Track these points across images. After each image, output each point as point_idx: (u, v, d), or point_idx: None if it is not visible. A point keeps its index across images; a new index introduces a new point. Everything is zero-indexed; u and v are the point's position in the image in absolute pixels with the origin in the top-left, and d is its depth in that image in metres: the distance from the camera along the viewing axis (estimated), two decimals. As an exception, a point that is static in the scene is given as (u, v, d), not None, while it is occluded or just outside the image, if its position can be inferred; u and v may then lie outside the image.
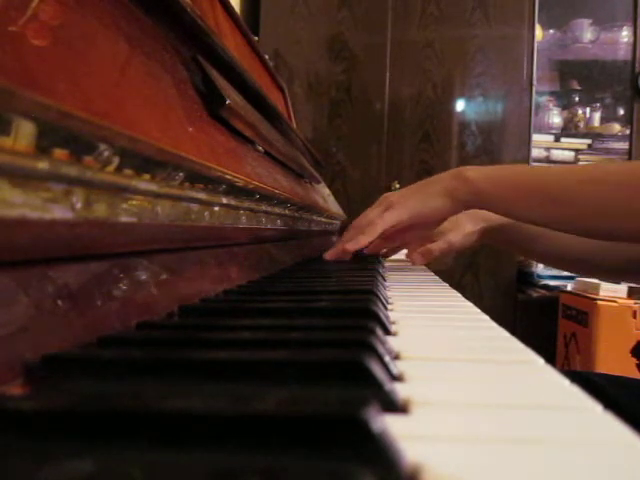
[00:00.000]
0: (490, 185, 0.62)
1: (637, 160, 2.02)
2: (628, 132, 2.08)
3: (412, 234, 0.74)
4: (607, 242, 0.75)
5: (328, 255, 0.70)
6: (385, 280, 0.59)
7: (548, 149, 2.15)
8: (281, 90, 1.21)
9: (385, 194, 0.71)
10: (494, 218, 0.86)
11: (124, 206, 0.24)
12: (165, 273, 0.31)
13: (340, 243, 0.70)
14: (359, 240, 0.66)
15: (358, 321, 0.28)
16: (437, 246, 0.80)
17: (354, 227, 0.70)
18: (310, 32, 1.96)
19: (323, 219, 0.99)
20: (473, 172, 0.64)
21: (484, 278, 1.92)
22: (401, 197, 0.68)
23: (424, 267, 0.88)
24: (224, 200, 0.39)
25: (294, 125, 1.14)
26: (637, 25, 2.02)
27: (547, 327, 1.87)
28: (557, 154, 2.16)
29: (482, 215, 0.85)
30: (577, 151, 2.18)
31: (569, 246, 0.81)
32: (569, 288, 1.80)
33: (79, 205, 0.21)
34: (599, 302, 1.55)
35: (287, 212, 0.64)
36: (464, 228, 0.83)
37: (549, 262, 1.03)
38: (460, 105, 1.99)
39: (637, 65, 2.04)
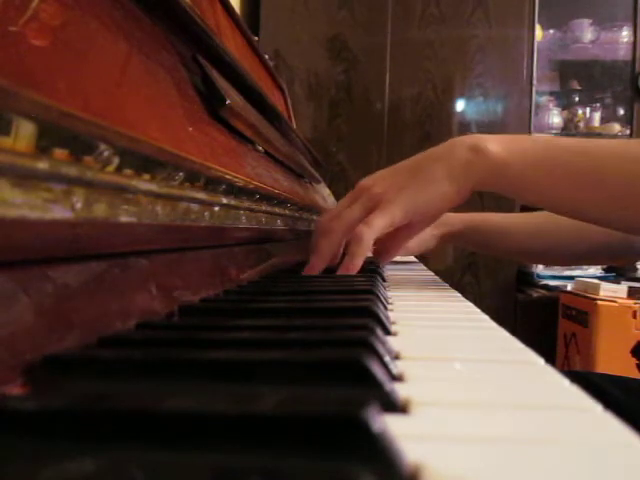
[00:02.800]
0: (520, 162, 0.49)
1: None
2: (628, 132, 2.08)
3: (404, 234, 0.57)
4: (573, 231, 0.70)
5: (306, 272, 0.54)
6: (385, 280, 0.59)
7: (548, 149, 2.15)
8: (281, 90, 1.21)
9: (362, 182, 0.54)
10: (455, 222, 0.78)
11: (124, 206, 0.24)
12: (165, 273, 0.31)
13: (314, 258, 0.53)
14: (345, 264, 0.51)
15: (358, 321, 0.28)
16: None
17: (322, 232, 0.52)
18: (310, 32, 1.96)
19: (323, 219, 0.99)
20: (495, 144, 0.49)
21: (484, 278, 1.92)
22: (390, 188, 0.51)
23: (424, 267, 0.88)
24: (224, 200, 0.39)
25: (294, 125, 1.14)
26: (637, 25, 2.02)
27: (547, 327, 1.87)
28: (557, 154, 2.16)
29: (443, 219, 0.70)
30: (577, 151, 2.18)
31: (533, 240, 0.76)
32: (569, 288, 1.80)
33: (79, 205, 0.21)
34: (599, 302, 1.55)
35: (287, 212, 0.64)
36: (422, 233, 0.65)
37: (512, 256, 0.97)
38: (460, 105, 1.99)
39: (637, 65, 2.04)
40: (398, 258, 1.02)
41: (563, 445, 0.15)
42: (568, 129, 2.21)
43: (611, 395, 0.58)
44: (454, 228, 0.79)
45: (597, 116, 2.21)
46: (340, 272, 0.52)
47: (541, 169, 0.49)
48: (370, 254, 0.61)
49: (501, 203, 1.96)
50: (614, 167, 0.47)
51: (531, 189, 0.51)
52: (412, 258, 1.01)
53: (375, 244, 0.59)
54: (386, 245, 0.60)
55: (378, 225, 0.50)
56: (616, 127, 2.16)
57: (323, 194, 1.15)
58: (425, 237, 0.77)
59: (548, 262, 0.94)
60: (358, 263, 0.51)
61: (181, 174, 0.30)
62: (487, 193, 1.99)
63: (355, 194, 0.54)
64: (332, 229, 0.52)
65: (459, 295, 0.50)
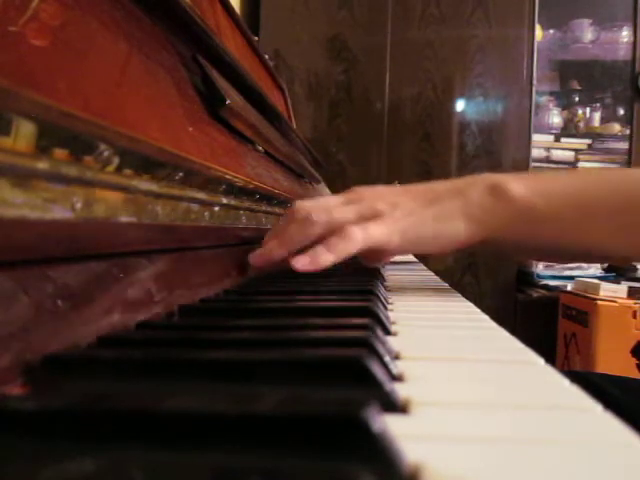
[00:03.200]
0: (544, 202, 0.42)
1: None
2: (628, 132, 2.08)
3: None
4: None
5: (296, 265, 0.42)
6: (385, 280, 0.59)
7: (548, 149, 2.15)
8: (281, 90, 1.21)
9: (363, 190, 0.46)
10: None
11: (124, 206, 0.24)
12: (165, 273, 0.31)
13: (277, 244, 0.44)
14: (317, 255, 0.41)
15: (358, 321, 0.28)
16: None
17: (300, 219, 0.43)
18: (310, 32, 1.96)
19: (323, 219, 0.99)
20: (517, 185, 0.43)
21: (484, 278, 1.92)
22: (395, 208, 0.43)
23: (424, 267, 0.88)
24: (224, 200, 0.39)
25: (294, 125, 1.14)
26: (637, 25, 2.02)
27: (547, 327, 1.87)
28: (557, 154, 2.16)
29: None
30: (577, 151, 2.18)
31: None
32: (569, 288, 1.80)
33: (79, 205, 0.21)
34: (599, 302, 1.55)
35: (287, 212, 0.64)
36: None
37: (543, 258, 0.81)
38: (460, 105, 1.99)
39: (637, 65, 2.04)
40: (398, 258, 1.02)
41: (563, 445, 0.15)
42: (568, 129, 2.21)
43: (611, 395, 0.58)
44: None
45: (597, 116, 2.21)
46: (302, 262, 0.42)
47: (575, 210, 0.42)
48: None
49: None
50: None
51: (572, 235, 0.43)
52: (412, 258, 1.01)
53: None
54: (370, 258, 0.50)
55: (374, 236, 0.42)
56: (616, 127, 2.16)
57: (323, 194, 1.15)
58: None
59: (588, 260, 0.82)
60: (333, 259, 0.42)
61: (181, 174, 0.30)
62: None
63: (351, 198, 0.45)
64: (313, 220, 0.43)
65: (459, 295, 0.50)
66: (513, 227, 0.43)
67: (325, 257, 0.41)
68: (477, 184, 0.44)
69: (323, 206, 0.44)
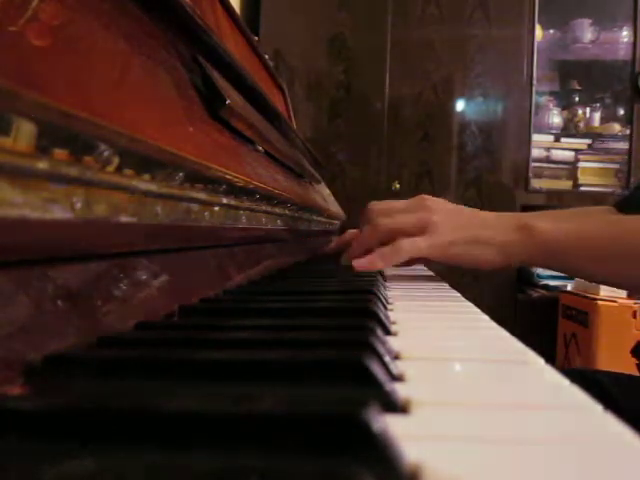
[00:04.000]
0: (563, 242, 0.52)
1: None
2: (628, 132, 2.08)
3: None
4: None
5: (356, 265, 0.55)
6: (385, 280, 0.59)
7: (548, 149, 2.15)
8: (281, 90, 1.21)
9: (424, 199, 0.57)
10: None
11: (124, 206, 0.24)
12: (165, 273, 0.31)
13: (355, 244, 0.57)
14: (374, 259, 0.54)
15: (358, 321, 0.28)
16: None
17: (373, 225, 0.56)
18: (310, 32, 1.96)
19: (323, 219, 0.99)
20: (542, 224, 0.53)
21: (484, 278, 1.92)
22: (446, 228, 0.54)
23: (424, 267, 0.88)
24: (224, 200, 0.39)
25: (294, 125, 1.14)
26: (637, 25, 2.02)
27: (547, 327, 1.87)
28: (557, 154, 2.16)
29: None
30: (577, 151, 2.18)
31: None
32: (569, 288, 1.80)
33: (79, 205, 0.21)
34: (599, 302, 1.55)
35: (287, 212, 0.64)
36: None
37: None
38: (460, 105, 1.99)
39: (637, 65, 2.04)
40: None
41: (563, 445, 0.15)
42: (568, 129, 2.21)
43: (611, 395, 0.58)
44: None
45: (597, 116, 2.21)
46: (361, 263, 0.54)
47: (595, 249, 0.52)
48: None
49: (502, 204, 1.96)
50: None
51: (586, 270, 0.54)
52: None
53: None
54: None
55: (419, 250, 0.53)
56: (616, 127, 2.16)
57: (323, 194, 1.15)
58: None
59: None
60: (383, 265, 0.54)
61: (181, 174, 0.30)
62: (486, 192, 1.98)
63: (414, 205, 0.56)
64: (381, 223, 0.55)
65: (459, 295, 0.50)
66: (537, 260, 0.54)
67: (378, 264, 0.54)
68: (509, 221, 0.55)
69: (388, 210, 0.57)
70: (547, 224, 0.53)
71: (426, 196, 0.58)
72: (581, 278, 0.60)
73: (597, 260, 0.52)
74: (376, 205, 0.58)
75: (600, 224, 0.57)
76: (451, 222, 0.55)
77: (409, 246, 0.53)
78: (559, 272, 0.58)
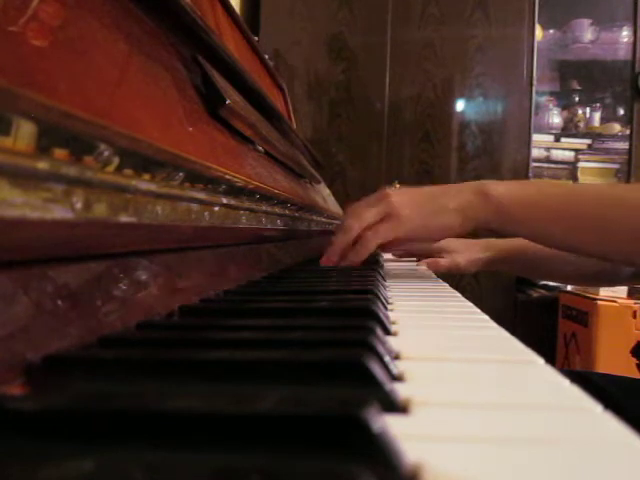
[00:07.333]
0: (517, 204, 0.55)
1: None
2: (628, 132, 2.08)
3: (411, 245, 0.71)
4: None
5: (323, 261, 0.62)
6: (385, 280, 0.59)
7: (548, 149, 2.15)
8: (281, 90, 1.21)
9: (386, 191, 0.61)
10: (503, 247, 0.83)
11: (124, 206, 0.24)
12: (165, 273, 0.31)
13: (330, 249, 0.62)
14: (349, 257, 0.60)
15: (358, 321, 0.28)
16: (446, 263, 0.80)
17: (343, 229, 0.61)
18: (310, 32, 1.96)
19: (323, 219, 0.99)
20: (497, 188, 0.56)
21: (484, 278, 1.92)
22: (405, 208, 0.58)
23: (424, 267, 0.88)
24: (224, 200, 0.39)
25: (294, 125, 1.14)
26: (637, 25, 2.02)
27: (547, 327, 1.87)
28: (557, 154, 2.16)
29: (491, 243, 0.81)
30: (577, 151, 2.18)
31: (586, 261, 0.75)
32: (569, 288, 1.80)
33: (79, 205, 0.21)
34: (599, 302, 1.55)
35: (287, 212, 0.64)
36: (473, 254, 0.80)
37: (563, 280, 1.00)
38: (460, 105, 1.99)
39: (637, 65, 2.03)
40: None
41: (563, 445, 0.15)
42: (568, 129, 2.21)
43: (611, 395, 0.58)
44: (499, 255, 0.82)
45: (597, 116, 2.21)
46: (343, 263, 0.60)
47: (542, 211, 0.55)
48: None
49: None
50: (616, 215, 0.52)
51: (532, 230, 0.57)
52: (412, 258, 1.01)
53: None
54: (384, 246, 0.66)
55: (384, 235, 0.58)
56: (616, 127, 2.16)
57: (323, 194, 1.15)
58: (473, 258, 0.82)
59: (605, 283, 0.94)
60: (359, 260, 0.60)
61: (181, 174, 0.30)
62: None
63: (377, 198, 0.60)
64: (351, 227, 0.60)
65: (459, 295, 0.50)
66: (490, 222, 0.57)
67: (355, 260, 0.60)
68: (465, 187, 0.58)
69: (355, 211, 0.61)
70: (503, 188, 0.56)
71: (387, 189, 0.62)
72: (537, 242, 0.61)
73: (549, 222, 0.55)
74: (348, 208, 0.63)
75: (554, 189, 0.59)
76: (410, 201, 0.58)
77: (372, 235, 0.58)
78: (517, 236, 0.60)
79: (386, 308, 0.39)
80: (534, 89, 1.97)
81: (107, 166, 0.22)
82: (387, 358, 0.21)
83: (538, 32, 2.00)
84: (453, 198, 0.57)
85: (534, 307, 1.93)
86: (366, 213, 0.60)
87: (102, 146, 0.21)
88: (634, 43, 2.04)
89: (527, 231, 0.58)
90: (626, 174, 2.08)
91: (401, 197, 0.59)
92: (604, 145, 2.17)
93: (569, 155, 2.17)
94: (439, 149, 1.98)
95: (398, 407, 0.17)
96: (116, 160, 0.23)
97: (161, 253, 0.31)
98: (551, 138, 2.17)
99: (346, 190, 1.94)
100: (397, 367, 0.22)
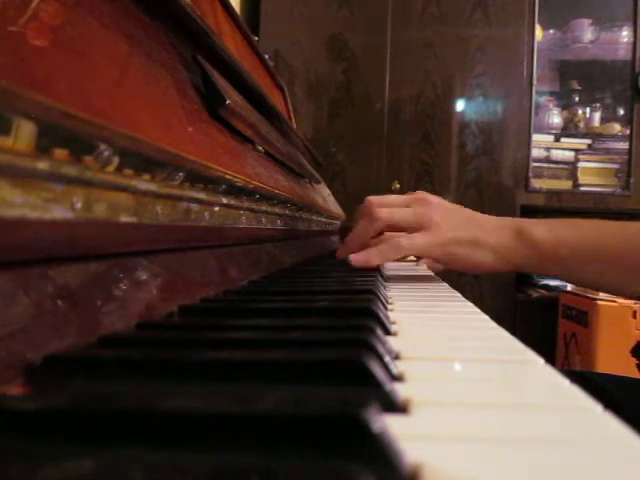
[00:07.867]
0: (559, 248, 0.52)
1: None
2: (628, 132, 2.08)
3: None
4: None
5: (353, 260, 0.55)
6: (385, 280, 0.59)
7: (548, 149, 2.15)
8: (281, 90, 1.21)
9: (426, 196, 0.56)
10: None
11: (124, 206, 0.24)
12: (165, 273, 0.31)
13: (350, 237, 0.57)
14: (370, 254, 0.54)
15: (358, 321, 0.28)
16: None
17: (370, 216, 0.55)
18: (310, 32, 1.96)
19: (323, 219, 0.99)
20: (540, 231, 0.53)
21: (484, 278, 1.92)
22: (446, 228, 0.53)
23: (424, 267, 0.88)
24: (224, 200, 0.39)
25: (294, 125, 1.14)
26: (637, 25, 2.02)
27: (547, 327, 1.87)
28: (557, 154, 2.16)
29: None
30: (577, 151, 2.18)
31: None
32: (569, 288, 1.80)
33: (79, 205, 0.21)
34: (599, 302, 1.55)
35: (287, 212, 0.64)
36: None
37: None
38: (460, 105, 1.99)
39: (637, 65, 2.04)
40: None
41: (563, 445, 0.15)
42: (568, 129, 2.21)
43: (611, 395, 0.58)
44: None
45: (597, 116, 2.21)
46: (358, 258, 0.54)
47: (588, 257, 0.52)
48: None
49: (502, 204, 1.97)
50: None
51: (577, 276, 0.54)
52: (412, 258, 1.01)
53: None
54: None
55: (419, 250, 0.53)
56: (616, 127, 2.16)
57: (323, 194, 1.15)
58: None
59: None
60: (379, 261, 0.54)
61: (181, 174, 0.30)
62: (486, 192, 1.98)
63: (414, 200, 0.55)
64: (379, 216, 0.54)
65: (459, 295, 0.50)
66: (530, 266, 0.54)
67: (375, 260, 0.54)
68: (508, 226, 0.54)
69: (387, 203, 0.55)
70: (544, 231, 0.53)
71: (425, 193, 0.57)
72: (579, 285, 0.62)
73: (589, 266, 0.52)
74: (375, 198, 0.57)
75: (593, 231, 0.57)
76: (450, 221, 0.54)
77: (407, 243, 0.52)
78: (557, 278, 0.60)
79: (386, 308, 0.39)
80: (534, 89, 1.97)
81: (107, 166, 0.22)
82: (387, 358, 0.21)
83: (538, 32, 2.00)
84: (493, 234, 0.53)
85: (534, 307, 1.93)
86: (400, 211, 0.54)
87: (102, 146, 0.22)
88: (634, 43, 2.04)
89: (564, 273, 0.55)
90: (626, 174, 2.09)
91: (442, 212, 0.54)
92: (604, 145, 2.17)
93: (569, 155, 2.17)
94: (439, 149, 1.98)
95: (398, 407, 0.17)
96: (116, 160, 0.23)
97: (161, 253, 0.31)
98: (551, 138, 2.17)
99: (346, 190, 1.94)
100: (397, 367, 0.22)
